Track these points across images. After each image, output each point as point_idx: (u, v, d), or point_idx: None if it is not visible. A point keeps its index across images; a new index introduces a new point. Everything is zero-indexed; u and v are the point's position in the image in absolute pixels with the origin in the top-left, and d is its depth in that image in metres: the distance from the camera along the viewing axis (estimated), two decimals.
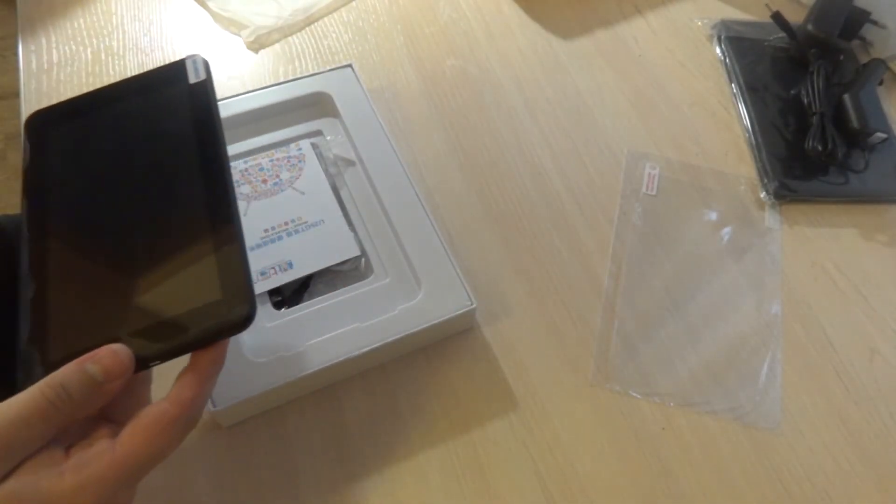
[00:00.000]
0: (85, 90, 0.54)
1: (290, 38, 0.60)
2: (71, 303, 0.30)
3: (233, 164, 0.48)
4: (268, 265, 0.44)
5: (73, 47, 0.57)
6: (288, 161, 0.49)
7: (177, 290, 0.30)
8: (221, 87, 0.56)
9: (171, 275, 0.30)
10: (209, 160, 0.33)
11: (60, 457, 0.27)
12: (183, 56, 0.37)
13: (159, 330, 0.29)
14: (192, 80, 0.36)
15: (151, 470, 0.28)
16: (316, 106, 0.52)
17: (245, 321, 0.29)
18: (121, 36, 0.58)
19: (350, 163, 0.50)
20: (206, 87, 0.36)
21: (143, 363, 0.29)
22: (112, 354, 0.28)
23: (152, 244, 0.31)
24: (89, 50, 0.57)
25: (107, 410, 0.29)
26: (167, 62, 0.37)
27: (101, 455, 0.27)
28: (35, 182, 0.34)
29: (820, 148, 0.54)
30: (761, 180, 0.55)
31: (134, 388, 0.30)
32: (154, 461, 0.28)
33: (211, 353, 0.30)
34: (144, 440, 0.28)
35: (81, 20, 0.59)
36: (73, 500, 0.26)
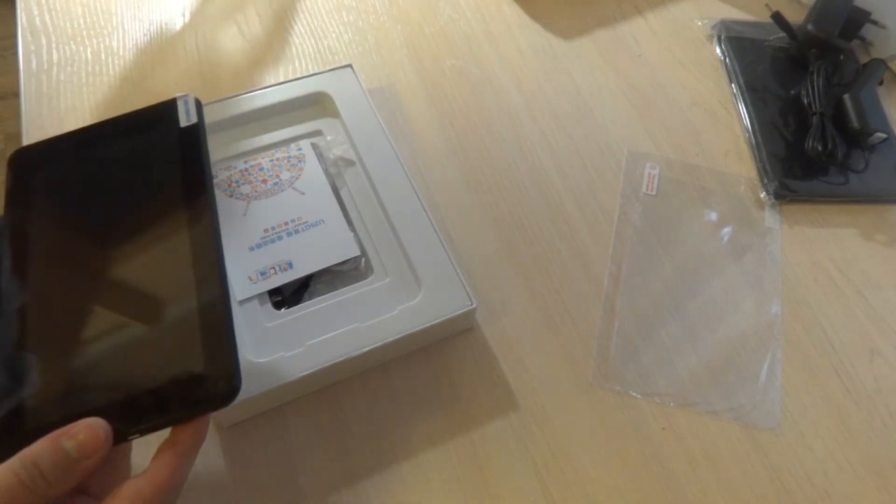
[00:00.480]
0: (85, 90, 0.54)
1: (290, 38, 0.60)
2: (51, 367, 0.28)
3: (233, 164, 0.48)
4: (268, 265, 0.44)
5: (73, 47, 0.57)
6: (288, 161, 0.49)
7: (159, 359, 0.29)
8: (222, 88, 0.56)
9: (154, 341, 0.29)
10: (197, 213, 0.31)
11: None
12: (175, 94, 0.35)
13: (139, 402, 0.28)
14: (183, 122, 0.34)
15: None
16: (316, 106, 0.52)
17: (228, 397, 0.28)
18: (121, 36, 0.58)
19: (350, 163, 0.50)
20: (196, 130, 0.34)
21: (121, 436, 0.28)
22: (88, 429, 0.26)
23: (135, 304, 0.29)
24: (89, 50, 0.57)
25: (83, 483, 0.28)
26: (159, 100, 0.35)
27: None
28: (16, 226, 0.32)
29: (820, 148, 0.54)
30: (761, 180, 0.55)
31: (112, 459, 0.29)
32: None
33: (191, 428, 0.28)
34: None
35: (81, 20, 0.59)
36: None
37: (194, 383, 0.28)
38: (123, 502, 0.26)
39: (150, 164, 0.33)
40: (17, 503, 0.25)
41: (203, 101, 0.50)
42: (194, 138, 0.34)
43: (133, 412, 0.28)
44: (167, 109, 0.35)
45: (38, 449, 0.25)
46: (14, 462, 0.25)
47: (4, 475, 0.25)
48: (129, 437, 0.28)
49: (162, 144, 0.34)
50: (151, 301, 0.29)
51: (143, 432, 0.28)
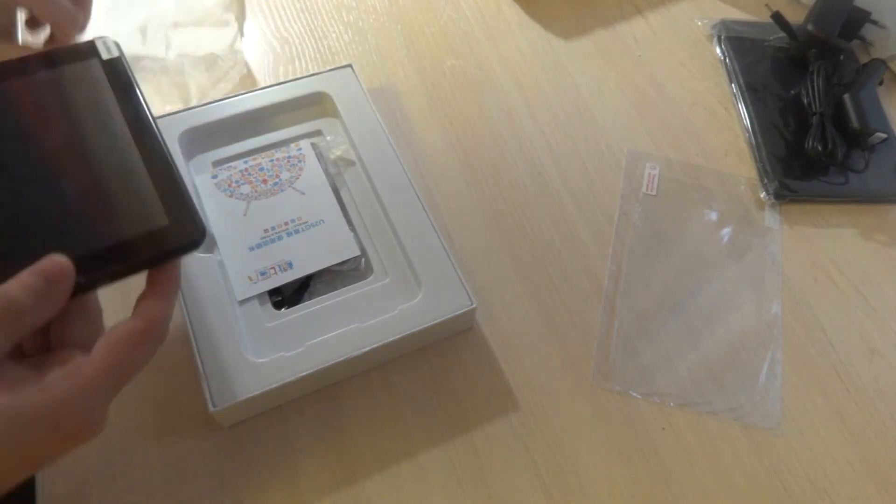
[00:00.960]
0: None
1: (289, 39, 0.60)
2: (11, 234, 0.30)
3: (233, 164, 0.48)
4: (268, 265, 0.44)
5: None
6: (288, 161, 0.49)
7: (120, 218, 0.31)
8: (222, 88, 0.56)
9: (111, 205, 0.31)
10: (133, 111, 0.34)
11: (30, 375, 0.27)
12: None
13: (107, 254, 0.30)
14: (105, 56, 0.36)
15: (127, 383, 0.29)
16: (316, 106, 0.52)
17: (196, 241, 0.30)
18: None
19: (350, 163, 0.50)
20: (121, 62, 0.36)
21: (90, 284, 0.29)
22: (48, 261, 0.27)
23: (87, 179, 0.32)
24: None
25: (66, 339, 0.30)
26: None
27: (81, 368, 0.27)
28: None
29: (820, 148, 0.54)
30: (761, 180, 0.55)
31: (89, 318, 0.31)
32: (131, 373, 0.29)
33: (166, 272, 0.30)
34: (120, 352, 0.28)
35: None
36: (60, 410, 0.26)
37: (159, 234, 0.31)
38: (121, 335, 0.28)
39: (78, 85, 0.35)
40: None
41: (203, 102, 0.50)
42: (120, 65, 0.36)
43: (102, 263, 0.30)
44: (88, 47, 0.37)
45: (8, 284, 0.26)
46: None
47: None
48: (100, 283, 0.30)
49: (88, 71, 0.36)
50: (103, 176, 0.32)
51: (113, 277, 0.30)
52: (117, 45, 0.37)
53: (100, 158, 0.33)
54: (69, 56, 0.36)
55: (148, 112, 0.34)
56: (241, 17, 0.51)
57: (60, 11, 0.38)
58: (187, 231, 0.31)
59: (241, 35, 0.51)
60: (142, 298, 0.30)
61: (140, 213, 0.31)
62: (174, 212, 0.31)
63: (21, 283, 0.26)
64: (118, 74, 0.36)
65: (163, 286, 0.30)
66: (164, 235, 0.30)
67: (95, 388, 0.27)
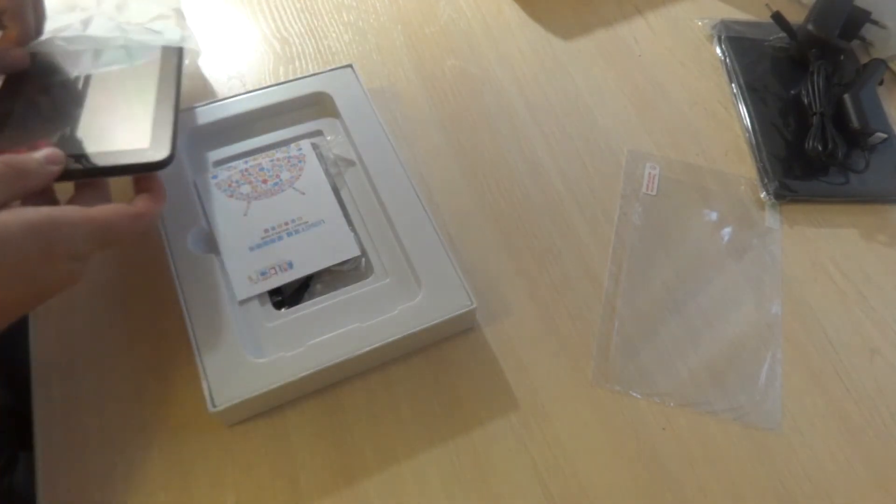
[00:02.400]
0: None
1: (289, 39, 0.60)
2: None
3: (233, 164, 0.48)
4: (268, 265, 0.44)
5: None
6: (288, 161, 0.49)
7: (114, 134, 0.39)
8: (221, 87, 0.56)
9: (113, 124, 0.40)
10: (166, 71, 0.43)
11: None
12: None
13: (94, 157, 0.37)
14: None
15: (105, 248, 0.35)
16: (316, 106, 0.52)
17: (162, 164, 0.38)
18: None
19: (350, 163, 0.50)
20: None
21: (74, 174, 0.36)
22: (51, 150, 0.36)
23: (108, 104, 0.41)
24: None
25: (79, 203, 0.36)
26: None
27: (74, 209, 0.34)
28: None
29: (820, 148, 0.54)
30: (761, 180, 0.55)
31: (100, 192, 0.37)
32: (112, 238, 0.35)
33: (152, 180, 0.38)
34: (113, 213, 0.35)
35: None
36: (47, 232, 0.32)
37: (136, 153, 0.38)
38: (118, 206, 0.36)
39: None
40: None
41: (203, 102, 0.50)
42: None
43: (85, 161, 0.37)
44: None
45: (21, 156, 0.34)
46: None
47: None
48: (80, 176, 0.37)
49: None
50: (119, 100, 0.41)
51: (96, 172, 0.37)
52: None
53: (122, 85, 0.42)
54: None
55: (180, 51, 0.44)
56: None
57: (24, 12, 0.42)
58: (159, 154, 0.38)
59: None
60: (138, 196, 0.37)
61: (130, 134, 0.39)
62: (156, 138, 0.39)
63: (28, 156, 0.35)
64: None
65: (153, 190, 0.38)
66: (140, 154, 0.38)
67: (81, 228, 0.33)
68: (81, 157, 0.37)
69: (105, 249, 0.35)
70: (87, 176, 0.37)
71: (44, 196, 0.36)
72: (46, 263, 0.33)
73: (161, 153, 0.38)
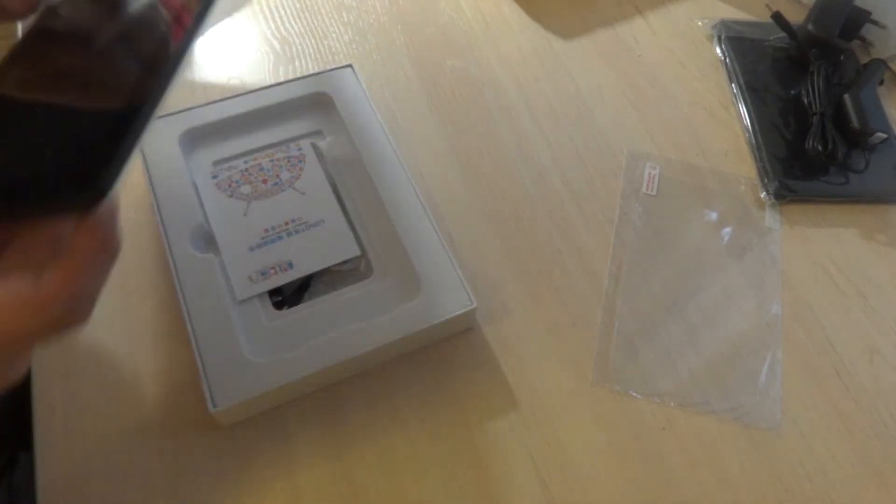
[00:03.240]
0: None
1: (290, 39, 0.60)
2: None
3: (233, 163, 0.48)
4: (268, 265, 0.44)
5: None
6: (288, 161, 0.49)
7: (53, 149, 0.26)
8: (222, 87, 0.56)
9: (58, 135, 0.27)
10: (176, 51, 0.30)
11: None
12: None
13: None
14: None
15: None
16: (316, 106, 0.52)
17: (89, 200, 0.24)
18: None
19: (350, 163, 0.50)
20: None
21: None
22: None
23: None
24: None
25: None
26: None
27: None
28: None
29: (820, 148, 0.54)
30: (761, 180, 0.55)
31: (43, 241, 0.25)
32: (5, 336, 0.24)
33: (87, 232, 0.24)
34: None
35: None
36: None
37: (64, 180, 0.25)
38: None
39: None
40: None
41: (203, 102, 0.50)
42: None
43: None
44: None
45: None
46: None
47: None
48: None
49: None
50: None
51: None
52: None
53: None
54: None
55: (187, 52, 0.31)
56: None
57: None
58: (82, 188, 0.24)
59: None
60: (53, 264, 0.24)
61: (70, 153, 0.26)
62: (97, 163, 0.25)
63: None
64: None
65: (83, 251, 0.24)
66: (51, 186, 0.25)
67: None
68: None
69: None
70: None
71: None
72: None
73: (85, 185, 0.24)
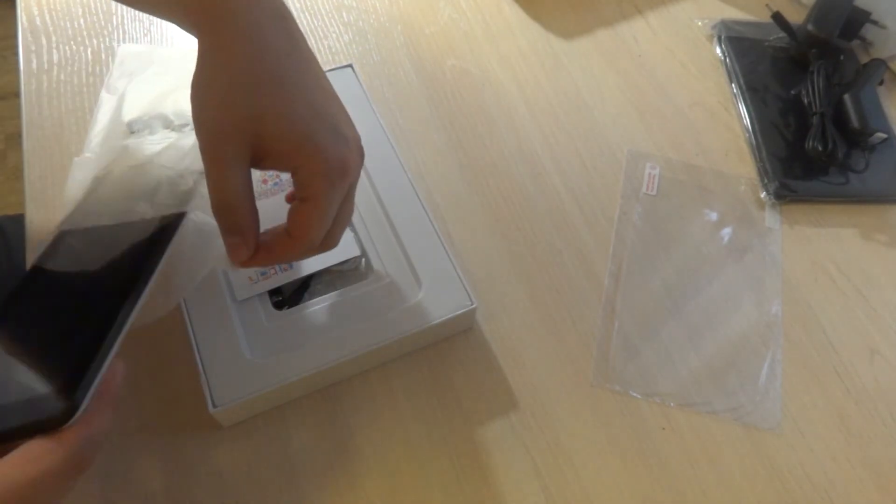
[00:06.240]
0: (85, 90, 0.54)
1: None
2: None
3: None
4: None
5: (74, 47, 0.57)
6: None
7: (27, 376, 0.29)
8: None
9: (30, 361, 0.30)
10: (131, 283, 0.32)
11: None
12: None
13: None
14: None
15: None
16: None
17: (59, 419, 0.27)
18: (121, 36, 0.58)
19: None
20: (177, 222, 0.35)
21: None
22: None
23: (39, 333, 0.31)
24: (89, 50, 0.57)
25: None
26: None
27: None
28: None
29: (820, 148, 0.54)
30: (761, 180, 0.55)
31: None
32: None
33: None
34: None
35: (82, 20, 0.59)
36: None
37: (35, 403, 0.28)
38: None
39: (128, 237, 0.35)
40: None
41: None
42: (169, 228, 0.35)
43: None
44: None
45: None
46: None
47: None
48: None
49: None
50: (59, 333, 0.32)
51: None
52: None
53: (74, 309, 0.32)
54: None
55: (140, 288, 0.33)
56: None
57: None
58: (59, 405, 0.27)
59: None
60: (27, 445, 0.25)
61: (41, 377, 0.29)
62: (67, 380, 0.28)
63: None
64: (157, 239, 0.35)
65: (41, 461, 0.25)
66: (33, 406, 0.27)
67: None
68: None
69: None
70: None
71: None
72: None
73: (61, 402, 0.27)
